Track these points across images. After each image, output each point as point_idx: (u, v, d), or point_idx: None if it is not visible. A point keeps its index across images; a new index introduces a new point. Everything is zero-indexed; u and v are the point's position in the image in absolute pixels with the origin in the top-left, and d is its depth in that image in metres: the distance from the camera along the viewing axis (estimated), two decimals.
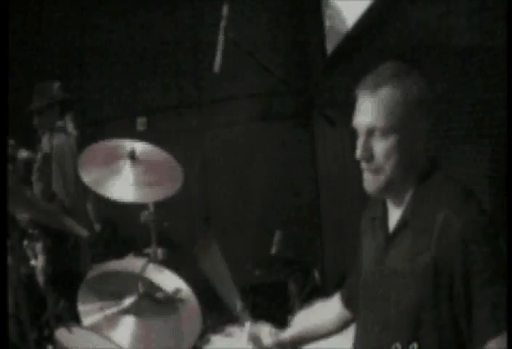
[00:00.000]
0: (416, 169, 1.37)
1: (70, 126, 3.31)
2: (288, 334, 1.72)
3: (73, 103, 3.46)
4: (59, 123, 3.30)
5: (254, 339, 1.71)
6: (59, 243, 3.07)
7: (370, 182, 1.37)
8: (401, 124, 1.32)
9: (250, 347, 1.72)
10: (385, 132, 1.32)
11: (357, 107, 1.37)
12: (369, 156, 1.34)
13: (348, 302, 1.66)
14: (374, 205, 1.52)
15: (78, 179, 3.10)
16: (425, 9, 2.12)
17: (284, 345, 1.71)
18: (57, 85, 3.39)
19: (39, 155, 3.27)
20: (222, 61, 2.35)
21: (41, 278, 3.00)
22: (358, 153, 1.36)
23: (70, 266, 3.11)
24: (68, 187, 3.14)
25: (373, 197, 1.44)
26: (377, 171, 1.35)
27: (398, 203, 1.41)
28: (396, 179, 1.35)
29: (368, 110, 1.34)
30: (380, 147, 1.33)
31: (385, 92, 1.32)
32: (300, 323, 1.76)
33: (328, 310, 1.74)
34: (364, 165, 1.37)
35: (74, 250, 3.14)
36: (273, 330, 1.74)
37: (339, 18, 3.39)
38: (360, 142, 1.36)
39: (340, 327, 1.71)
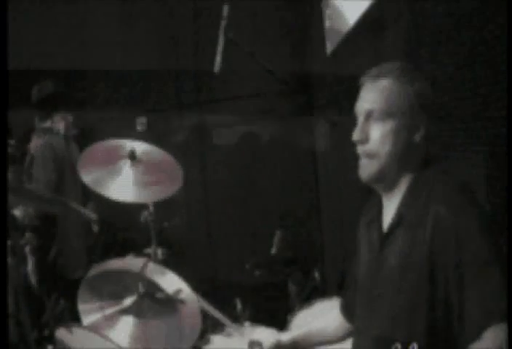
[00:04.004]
0: (411, 163, 1.37)
1: (60, 126, 3.18)
2: (288, 336, 1.72)
3: (60, 102, 3.25)
4: (42, 123, 3.18)
5: (255, 345, 1.70)
6: (46, 246, 3.04)
7: (364, 167, 1.38)
8: (398, 111, 1.34)
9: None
10: (383, 115, 1.34)
11: (359, 94, 1.40)
12: (365, 138, 1.36)
13: (346, 312, 1.65)
14: (370, 209, 1.51)
15: (61, 183, 3.05)
16: (425, 9, 2.13)
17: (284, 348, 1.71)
18: (38, 87, 3.23)
19: (28, 157, 3.14)
20: (222, 61, 2.35)
21: (33, 280, 2.99)
22: (355, 134, 1.37)
23: (60, 270, 3.07)
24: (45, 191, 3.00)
25: (366, 183, 1.41)
26: (371, 156, 1.36)
27: (392, 199, 1.40)
28: (389, 168, 1.35)
29: (368, 96, 1.37)
30: (377, 130, 1.35)
31: (386, 82, 1.35)
32: (301, 327, 1.76)
33: (330, 318, 1.74)
34: (359, 149, 1.38)
35: (60, 255, 3.09)
36: (273, 333, 1.73)
37: (339, 18, 3.39)
38: (358, 124, 1.38)
39: (341, 337, 1.70)
